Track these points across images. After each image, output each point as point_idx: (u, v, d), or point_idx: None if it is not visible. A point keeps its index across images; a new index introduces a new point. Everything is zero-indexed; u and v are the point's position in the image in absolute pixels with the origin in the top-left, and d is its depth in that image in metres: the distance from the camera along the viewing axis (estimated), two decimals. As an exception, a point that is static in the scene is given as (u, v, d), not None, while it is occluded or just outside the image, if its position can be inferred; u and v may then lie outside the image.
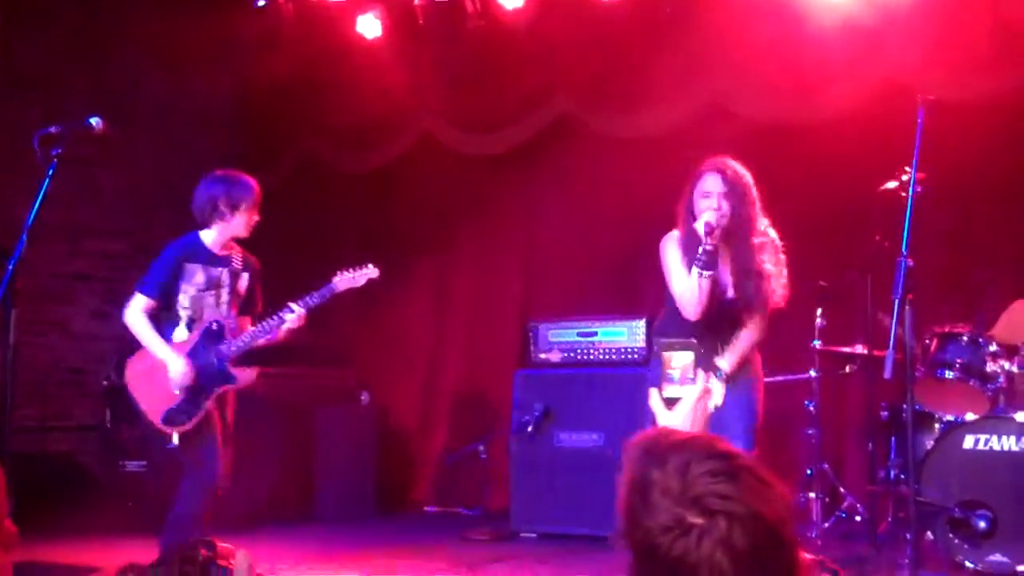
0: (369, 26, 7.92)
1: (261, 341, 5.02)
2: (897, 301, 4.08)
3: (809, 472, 6.30)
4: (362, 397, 8.05)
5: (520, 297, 8.21)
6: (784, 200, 7.02)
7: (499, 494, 7.34)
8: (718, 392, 4.47)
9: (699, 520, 1.53)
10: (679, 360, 2.69)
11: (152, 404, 4.92)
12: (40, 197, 4.31)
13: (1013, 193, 6.55)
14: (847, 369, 6.47)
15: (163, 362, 4.86)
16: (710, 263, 4.41)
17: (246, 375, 5.03)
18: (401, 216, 8.62)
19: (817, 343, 6.33)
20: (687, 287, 4.54)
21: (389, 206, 8.69)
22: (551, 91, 7.76)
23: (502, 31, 7.61)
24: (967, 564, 5.13)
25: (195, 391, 4.89)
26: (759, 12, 6.80)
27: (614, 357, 6.89)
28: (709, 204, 4.52)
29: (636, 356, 6.82)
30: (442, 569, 5.56)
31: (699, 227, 4.42)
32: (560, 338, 7.04)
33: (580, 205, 8.01)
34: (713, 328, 4.56)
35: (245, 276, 5.16)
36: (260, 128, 9.16)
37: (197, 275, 5.00)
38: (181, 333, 4.98)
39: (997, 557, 5.11)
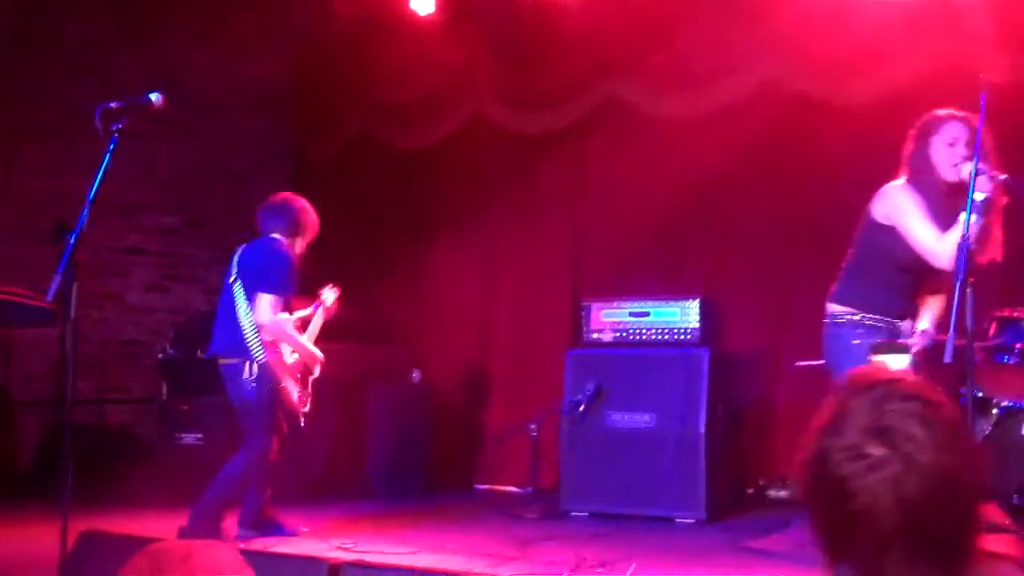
0: (422, 2, 7.91)
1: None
2: (958, 285, 4.00)
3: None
4: (413, 375, 8.08)
5: (570, 276, 8.18)
6: (839, 179, 7.01)
7: (549, 473, 7.33)
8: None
9: (878, 451, 1.50)
10: (895, 363, 2.65)
11: (301, 398, 5.76)
12: (101, 172, 4.36)
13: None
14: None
15: (308, 359, 5.78)
16: (985, 208, 4.26)
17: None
18: (452, 194, 8.63)
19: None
20: (933, 237, 4.43)
21: (440, 184, 8.70)
22: (603, 71, 7.72)
23: (554, 9, 7.56)
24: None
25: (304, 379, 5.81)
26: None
27: (666, 337, 6.86)
28: (958, 153, 4.41)
29: (688, 336, 6.79)
30: (493, 546, 5.57)
31: (966, 170, 4.26)
32: (612, 318, 7.02)
33: (631, 185, 7.95)
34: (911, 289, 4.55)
35: None
36: (314, 105, 9.20)
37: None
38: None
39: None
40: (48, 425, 7.87)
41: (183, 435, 7.44)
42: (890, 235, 4.62)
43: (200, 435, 7.36)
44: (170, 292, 8.99)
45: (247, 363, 5.47)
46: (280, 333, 5.54)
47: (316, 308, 6.00)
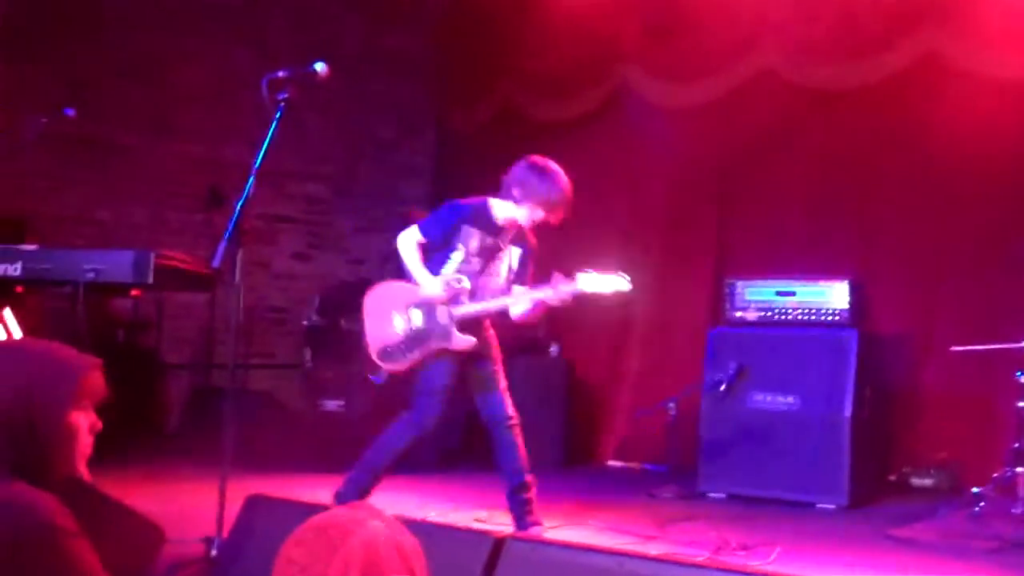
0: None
1: (493, 311, 5.14)
2: None
3: (1017, 446, 5.99)
4: (551, 349, 8.07)
5: (715, 254, 8.04)
6: (1001, 158, 6.74)
7: (684, 453, 7.23)
8: None
9: None
10: None
11: (375, 336, 5.14)
12: (268, 139, 4.42)
13: None
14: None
15: (419, 287, 5.05)
16: None
17: (463, 341, 5.08)
18: (596, 169, 8.54)
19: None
20: None
21: (584, 159, 8.62)
22: (752, 43, 7.53)
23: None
24: None
25: (414, 338, 5.08)
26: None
27: (812, 318, 6.69)
28: None
29: (836, 318, 6.62)
30: (632, 524, 5.54)
31: None
32: (757, 296, 6.88)
33: (779, 161, 7.77)
34: None
35: (518, 252, 5.25)
36: (457, 75, 9.23)
37: (472, 240, 5.12)
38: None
39: None
40: (196, 388, 8.11)
41: (325, 401, 7.58)
42: None
43: (342, 402, 7.49)
44: (314, 260, 9.15)
45: None
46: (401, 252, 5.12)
47: (541, 290, 4.99)
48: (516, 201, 5.09)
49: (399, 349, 5.09)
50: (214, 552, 4.18)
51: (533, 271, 5.29)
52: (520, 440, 5.16)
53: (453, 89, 9.34)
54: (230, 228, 4.27)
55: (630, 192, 8.45)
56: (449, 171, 9.49)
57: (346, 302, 8.24)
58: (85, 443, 2.27)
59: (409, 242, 5.11)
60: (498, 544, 3.18)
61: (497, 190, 5.19)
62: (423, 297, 5.06)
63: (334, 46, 8.57)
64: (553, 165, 5.13)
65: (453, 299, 5.06)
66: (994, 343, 6.14)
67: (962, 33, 6.72)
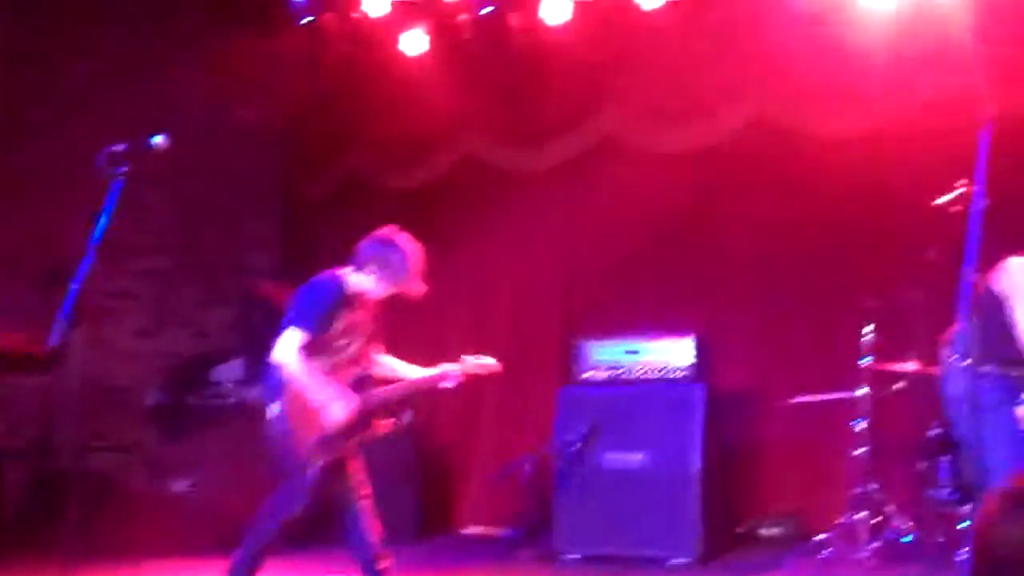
0: (413, 43, 7.94)
1: (397, 398, 5.16)
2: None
3: (857, 491, 6.20)
4: (404, 416, 7.99)
5: (561, 315, 8.15)
6: (829, 213, 7.05)
7: (541, 514, 7.24)
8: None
9: None
10: None
11: (309, 428, 4.88)
12: (107, 215, 4.30)
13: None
14: (897, 387, 6.36)
15: (325, 405, 4.85)
16: None
17: (384, 425, 5.09)
18: (443, 233, 8.59)
19: (867, 360, 6.22)
20: None
21: (432, 223, 8.66)
22: (592, 108, 7.75)
23: (546, 47, 7.60)
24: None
25: (344, 431, 4.92)
26: (804, 24, 6.76)
27: (660, 375, 6.84)
28: None
29: (682, 374, 6.77)
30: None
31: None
32: (605, 355, 7.00)
33: (621, 221, 7.97)
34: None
35: (375, 319, 5.18)
36: (306, 145, 9.21)
37: (341, 321, 4.96)
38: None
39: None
40: (34, 474, 7.76)
41: (173, 482, 7.36)
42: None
43: (191, 482, 7.28)
44: (158, 336, 8.91)
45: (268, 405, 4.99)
46: (292, 377, 4.85)
47: (438, 377, 5.25)
48: (376, 277, 5.02)
49: (334, 441, 4.92)
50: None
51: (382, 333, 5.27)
52: (372, 512, 5.08)
53: (300, 159, 9.31)
54: (68, 306, 4.14)
55: (477, 254, 8.52)
56: (296, 241, 9.41)
57: (192, 378, 8.06)
58: None
59: (292, 351, 4.80)
60: None
61: (344, 260, 5.15)
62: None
63: (178, 119, 8.43)
64: (402, 238, 5.09)
65: (363, 390, 4.99)
66: (830, 394, 6.38)
67: (784, 97, 7.04)
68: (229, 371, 7.93)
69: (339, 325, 4.98)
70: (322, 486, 4.98)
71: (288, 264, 9.25)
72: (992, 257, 4.38)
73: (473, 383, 8.04)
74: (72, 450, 7.79)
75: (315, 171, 9.16)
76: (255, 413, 7.47)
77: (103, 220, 4.32)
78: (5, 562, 6.24)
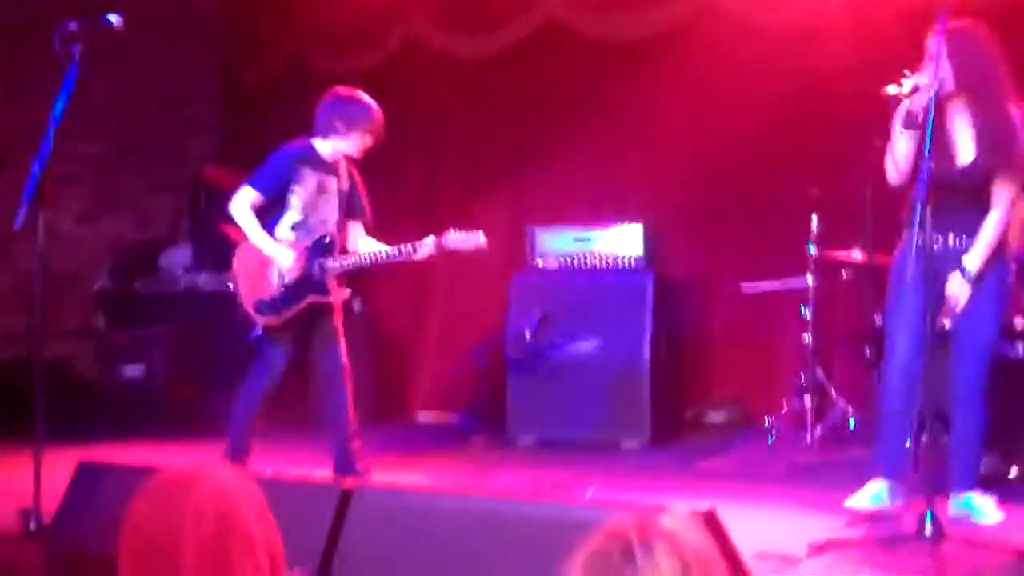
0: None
1: (367, 264, 5.25)
2: (919, 204, 4.06)
3: (802, 377, 6.37)
4: (354, 306, 8.02)
5: (510, 203, 8.15)
6: (777, 103, 7.09)
7: (492, 401, 7.33)
8: (962, 295, 4.38)
9: None
10: None
11: (249, 290, 5.10)
12: (65, 95, 4.23)
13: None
14: (843, 276, 6.49)
15: (269, 256, 5.02)
16: (909, 121, 4.31)
17: (339, 293, 5.20)
18: (389, 121, 8.49)
19: (812, 249, 6.33)
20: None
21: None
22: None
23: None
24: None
25: (291, 292, 5.05)
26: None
27: (610, 263, 6.91)
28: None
29: (632, 263, 6.85)
30: (449, 472, 5.63)
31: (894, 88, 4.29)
32: (556, 244, 7.04)
33: (569, 109, 7.95)
34: (946, 208, 4.25)
35: (350, 186, 5.29)
36: (244, 29, 9.01)
37: (309, 179, 5.11)
38: (283, 231, 5.12)
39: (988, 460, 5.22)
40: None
41: (123, 367, 7.34)
42: None
43: (141, 367, 7.27)
44: (100, 221, 8.78)
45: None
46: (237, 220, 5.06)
47: (414, 249, 5.16)
48: (342, 134, 5.12)
49: (275, 303, 5.07)
50: (32, 525, 4.03)
51: (366, 203, 5.37)
52: (350, 392, 5.15)
53: (240, 44, 9.11)
54: (31, 188, 4.09)
55: (424, 144, 8.45)
56: (238, 126, 9.27)
57: (139, 264, 7.98)
58: None
59: (243, 206, 5.04)
60: (346, 494, 3.17)
61: (288, 138, 5.21)
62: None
63: (116, 6, 8.18)
64: (353, 90, 5.24)
65: (320, 254, 5.06)
66: (777, 281, 6.51)
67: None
68: (176, 256, 7.87)
69: (307, 186, 5.12)
70: (278, 351, 5.07)
71: (229, 150, 9.12)
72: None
73: (425, 273, 8.20)
74: (18, 337, 7.72)
75: (256, 55, 8.98)
76: (204, 299, 7.50)
77: (60, 101, 4.25)
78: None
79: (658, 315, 6.71)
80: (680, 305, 7.24)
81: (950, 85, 4.38)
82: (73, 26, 4.31)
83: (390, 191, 8.01)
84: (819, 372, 6.39)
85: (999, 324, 4.62)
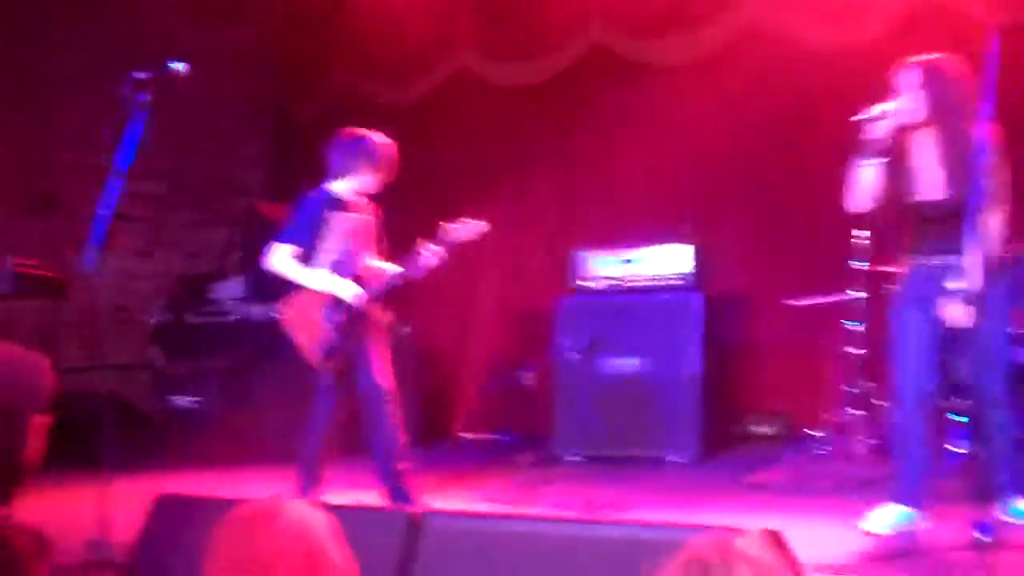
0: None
1: (398, 282, 5.28)
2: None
3: (853, 389, 6.36)
4: (401, 329, 8.13)
5: (558, 227, 8.24)
6: (822, 119, 7.12)
7: (536, 422, 7.38)
8: (963, 316, 4.35)
9: None
10: None
11: (311, 341, 5.20)
12: (133, 141, 4.37)
13: None
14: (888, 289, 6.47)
15: (324, 296, 5.15)
16: (873, 149, 4.44)
17: (383, 316, 5.34)
18: (440, 149, 8.63)
19: (861, 263, 6.33)
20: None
21: (427, 139, 8.71)
22: (586, 18, 7.78)
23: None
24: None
25: (343, 331, 5.18)
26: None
27: (658, 283, 6.97)
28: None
29: (680, 282, 6.91)
30: (494, 492, 5.69)
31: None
32: (603, 265, 7.12)
33: (620, 132, 8.04)
34: (933, 236, 4.45)
35: (373, 223, 5.40)
36: (296, 64, 9.18)
37: (340, 223, 5.22)
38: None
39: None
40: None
41: (177, 399, 7.48)
42: None
43: (197, 398, 7.41)
44: (154, 256, 8.97)
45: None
46: (289, 278, 5.20)
47: (421, 256, 5.21)
48: (357, 174, 5.24)
49: (337, 345, 5.18)
50: (102, 555, 4.12)
51: (385, 236, 5.46)
52: (398, 415, 5.25)
53: (291, 80, 9.29)
54: (100, 230, 4.24)
55: (474, 170, 8.56)
56: (287, 161, 9.42)
57: (192, 296, 8.15)
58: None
59: (285, 260, 5.16)
60: (415, 520, 3.18)
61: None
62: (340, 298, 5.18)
63: (167, 51, 8.38)
64: (359, 130, 5.32)
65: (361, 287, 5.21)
66: (825, 297, 6.54)
67: (776, 6, 7.10)
68: (228, 289, 8.01)
69: (335, 231, 5.22)
70: (344, 388, 5.19)
71: (280, 184, 9.27)
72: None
73: (474, 298, 8.28)
74: (77, 370, 7.88)
75: (305, 90, 9.15)
76: (256, 329, 7.64)
77: (127, 146, 4.38)
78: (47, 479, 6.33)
79: (707, 332, 6.77)
80: (727, 321, 7.29)
81: (922, 114, 4.46)
82: (142, 75, 4.45)
83: (439, 217, 8.14)
84: (870, 384, 6.39)
85: (1007, 331, 4.61)
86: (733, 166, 7.54)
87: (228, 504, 2.11)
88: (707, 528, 2.52)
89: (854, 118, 4.46)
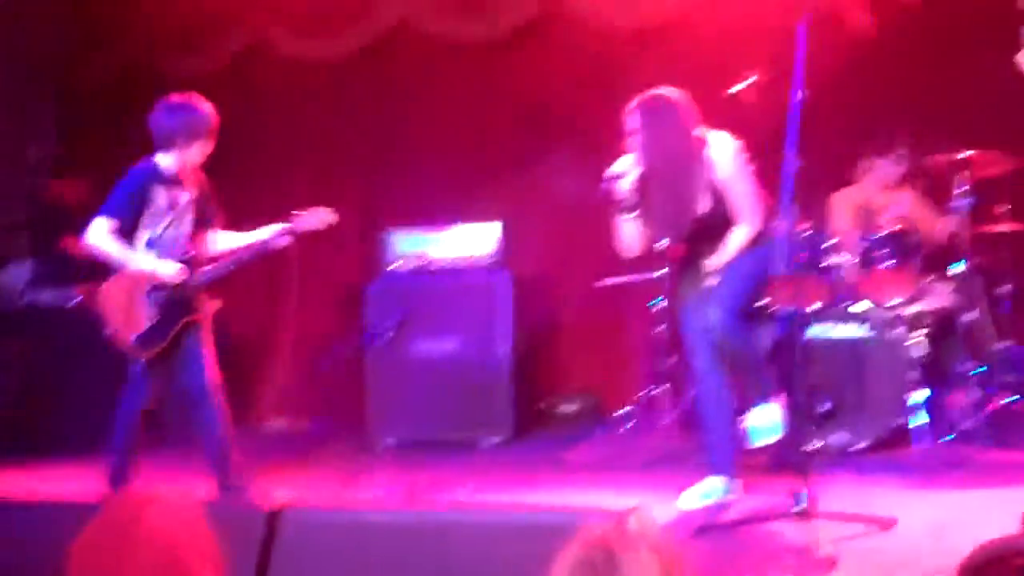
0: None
1: (232, 268, 5.14)
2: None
3: (658, 367, 6.55)
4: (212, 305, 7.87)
5: (363, 208, 8.13)
6: (620, 102, 7.26)
7: (348, 406, 7.28)
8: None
9: None
10: None
11: (126, 326, 4.95)
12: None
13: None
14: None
15: (145, 275, 4.91)
16: (627, 207, 4.72)
17: (210, 306, 5.11)
18: (237, 124, 8.33)
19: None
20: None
21: (224, 114, 8.43)
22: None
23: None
24: (813, 443, 5.48)
25: (165, 317, 4.95)
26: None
27: (465, 263, 7.00)
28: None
29: (488, 261, 6.95)
30: (320, 481, 5.59)
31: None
32: (411, 245, 7.09)
33: (418, 110, 8.01)
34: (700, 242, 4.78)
35: (201, 195, 5.16)
36: (81, 32, 8.72)
37: (160, 197, 4.96)
38: (140, 250, 4.97)
39: (838, 436, 5.55)
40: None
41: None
42: None
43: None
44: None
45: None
46: (103, 255, 4.94)
47: (268, 239, 5.17)
48: (183, 146, 5.00)
49: (153, 333, 4.95)
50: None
51: (221, 210, 5.28)
52: (226, 406, 5.07)
53: (78, 46, 8.81)
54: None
55: (272, 145, 8.36)
56: (74, 131, 8.94)
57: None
58: None
59: (102, 236, 4.87)
60: (273, 516, 3.08)
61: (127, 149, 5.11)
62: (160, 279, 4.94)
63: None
64: (184, 96, 5.10)
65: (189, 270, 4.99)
66: (631, 276, 6.69)
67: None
68: (16, 274, 7.57)
69: (159, 205, 4.97)
70: (150, 374, 4.99)
71: (67, 153, 8.76)
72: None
73: (276, 278, 8.07)
74: None
75: (93, 58, 8.70)
76: (47, 316, 7.24)
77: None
78: None
79: (515, 312, 6.83)
80: (534, 302, 7.36)
81: (643, 162, 4.68)
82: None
83: (239, 195, 7.92)
84: (672, 359, 6.57)
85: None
86: (537, 144, 7.60)
87: (60, 508, 1.97)
88: (571, 511, 2.54)
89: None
